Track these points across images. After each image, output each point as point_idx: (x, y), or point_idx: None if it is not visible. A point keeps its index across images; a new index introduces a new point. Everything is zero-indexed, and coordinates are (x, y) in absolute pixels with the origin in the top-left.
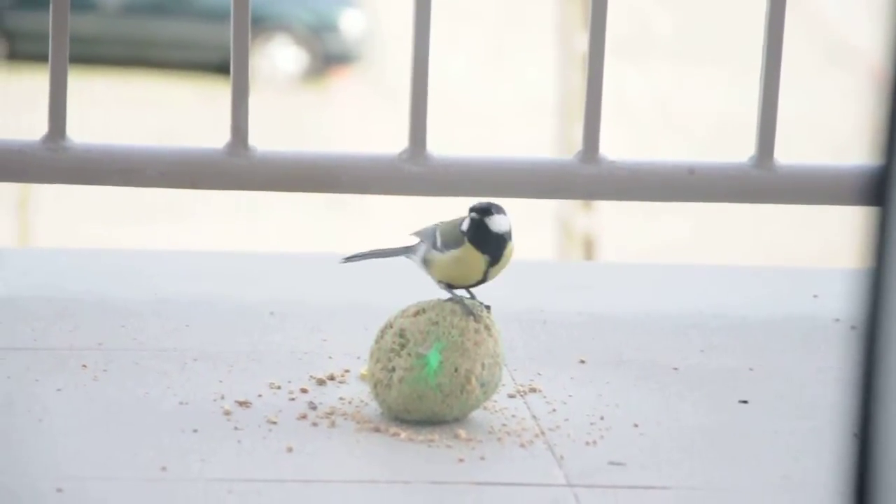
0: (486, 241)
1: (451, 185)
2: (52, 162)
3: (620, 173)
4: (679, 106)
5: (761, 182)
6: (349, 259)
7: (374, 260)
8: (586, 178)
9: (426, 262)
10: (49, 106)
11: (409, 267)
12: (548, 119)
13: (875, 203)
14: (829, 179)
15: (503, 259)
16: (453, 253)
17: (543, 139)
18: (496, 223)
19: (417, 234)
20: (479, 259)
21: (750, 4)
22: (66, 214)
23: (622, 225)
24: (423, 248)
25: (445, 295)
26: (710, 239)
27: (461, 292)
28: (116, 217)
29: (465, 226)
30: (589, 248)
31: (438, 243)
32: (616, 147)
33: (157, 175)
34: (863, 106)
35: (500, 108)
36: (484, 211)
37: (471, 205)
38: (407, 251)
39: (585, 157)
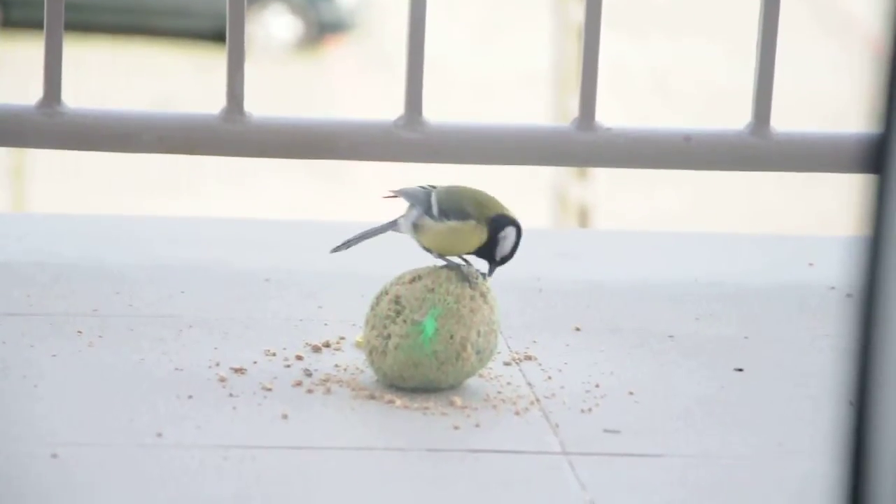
0: (503, 253)
1: (447, 152)
2: (48, 126)
3: (617, 141)
4: (675, 77)
5: (758, 149)
6: (337, 249)
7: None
8: (582, 146)
9: (416, 227)
10: (44, 70)
11: (404, 235)
12: (543, 90)
13: (872, 171)
14: (826, 147)
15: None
16: (451, 224)
17: (539, 110)
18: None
19: (402, 193)
20: (476, 240)
21: None
22: (62, 183)
23: (618, 195)
24: (414, 213)
25: (441, 262)
26: (706, 209)
27: (457, 259)
28: (112, 187)
29: (507, 233)
30: (584, 219)
31: (435, 210)
32: (612, 117)
33: (153, 140)
34: (858, 75)
35: (495, 78)
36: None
37: (514, 221)
38: (392, 225)
39: (582, 125)
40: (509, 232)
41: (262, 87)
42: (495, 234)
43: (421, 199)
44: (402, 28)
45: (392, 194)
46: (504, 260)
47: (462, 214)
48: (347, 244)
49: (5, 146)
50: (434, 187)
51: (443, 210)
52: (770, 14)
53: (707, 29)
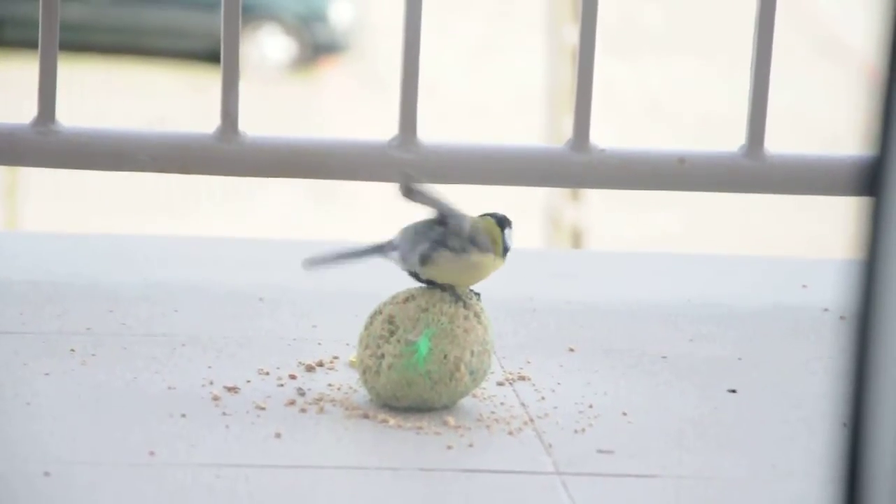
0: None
1: (441, 173)
2: (42, 145)
3: (610, 161)
4: (668, 100)
5: (751, 171)
6: (312, 265)
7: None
8: (576, 167)
9: (428, 260)
10: (39, 88)
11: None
12: (536, 112)
13: (867, 193)
14: (820, 169)
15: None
16: (482, 256)
17: (532, 132)
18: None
19: (443, 209)
20: (492, 269)
21: None
22: (55, 202)
23: (611, 217)
24: (424, 246)
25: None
26: (700, 231)
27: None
28: (106, 206)
29: (508, 238)
30: (577, 240)
31: (470, 241)
32: (606, 140)
33: (147, 160)
34: (852, 98)
35: (489, 99)
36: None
37: (498, 214)
38: (381, 250)
39: (576, 146)
40: (508, 232)
41: (257, 107)
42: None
43: (421, 234)
44: (396, 49)
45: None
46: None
47: (483, 246)
48: (325, 261)
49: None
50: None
51: (475, 240)
52: (764, 36)
53: (701, 51)
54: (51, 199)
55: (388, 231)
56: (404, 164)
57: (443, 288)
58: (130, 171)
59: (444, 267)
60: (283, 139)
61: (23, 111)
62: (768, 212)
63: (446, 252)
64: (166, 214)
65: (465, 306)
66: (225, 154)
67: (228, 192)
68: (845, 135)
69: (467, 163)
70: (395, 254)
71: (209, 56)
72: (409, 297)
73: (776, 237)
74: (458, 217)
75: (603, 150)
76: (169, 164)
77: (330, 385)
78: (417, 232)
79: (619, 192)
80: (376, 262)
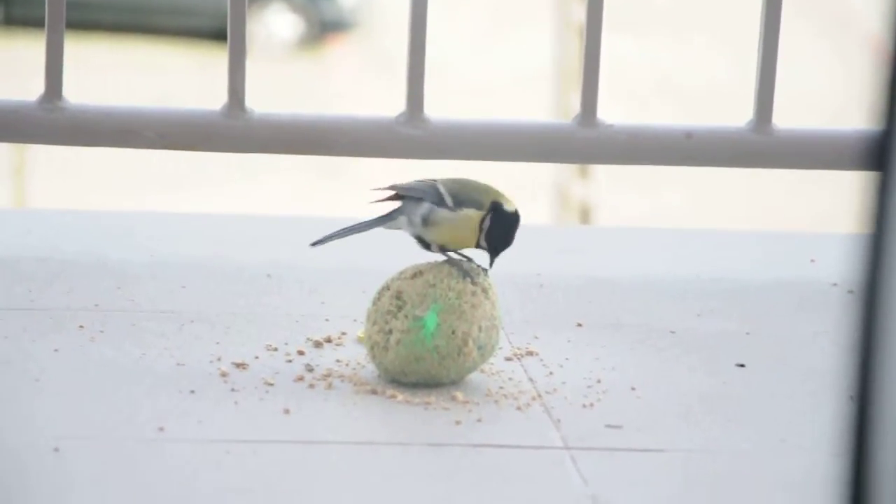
0: (502, 238)
1: (448, 149)
2: (49, 122)
3: (618, 137)
4: (676, 76)
5: (759, 146)
6: (318, 243)
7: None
8: (584, 142)
9: (427, 221)
10: (45, 65)
11: (399, 231)
12: (544, 90)
13: (874, 168)
14: (828, 144)
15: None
16: (467, 213)
17: (540, 110)
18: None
19: (404, 189)
20: (477, 235)
21: None
22: (62, 180)
23: (619, 193)
24: (424, 207)
25: (443, 257)
26: (707, 207)
27: (458, 255)
28: (113, 184)
29: (487, 221)
30: (585, 216)
31: (449, 201)
32: (613, 116)
33: (154, 137)
34: (858, 73)
35: (496, 77)
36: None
37: (501, 207)
38: (385, 220)
39: (583, 121)
40: (488, 218)
41: (264, 85)
42: (482, 222)
43: (429, 193)
44: (403, 27)
45: (389, 191)
46: (499, 248)
47: (477, 204)
48: (329, 238)
49: (6, 141)
50: (435, 180)
51: (458, 200)
52: (772, 12)
53: (708, 28)
54: (57, 176)
55: (392, 207)
56: (411, 140)
57: (451, 263)
58: (137, 147)
59: (444, 226)
60: (290, 116)
61: (30, 89)
62: (776, 187)
63: (443, 212)
64: (170, 191)
65: (473, 282)
66: (232, 131)
67: (233, 169)
68: (852, 110)
69: (475, 139)
70: (403, 219)
71: (216, 34)
72: (416, 273)
73: (784, 212)
74: (431, 191)
75: (610, 126)
76: (176, 140)
77: (338, 361)
78: (416, 191)
79: (628, 169)
80: (383, 238)
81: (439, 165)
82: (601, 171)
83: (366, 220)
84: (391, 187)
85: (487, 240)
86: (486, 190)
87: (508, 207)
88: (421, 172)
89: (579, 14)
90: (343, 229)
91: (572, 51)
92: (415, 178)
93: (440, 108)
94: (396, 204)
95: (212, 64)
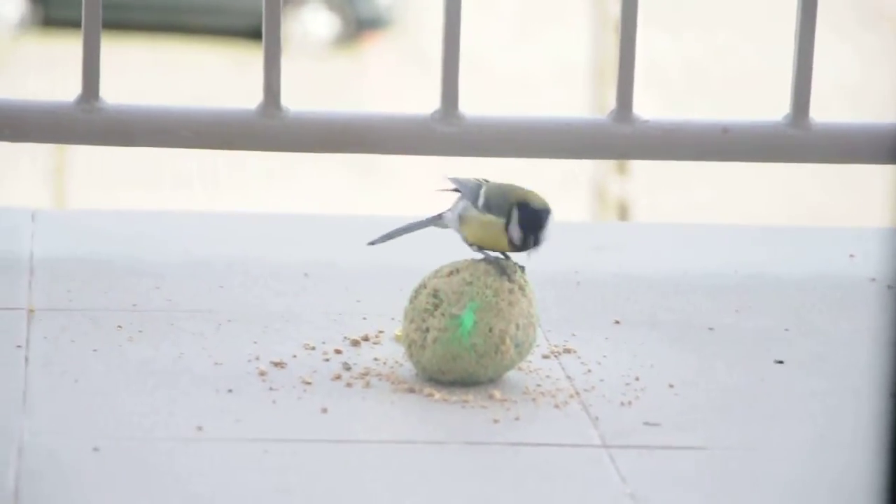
0: (523, 242)
1: (483, 146)
2: (86, 123)
3: (654, 133)
4: (712, 71)
5: (796, 141)
6: (376, 241)
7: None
8: (620, 138)
9: (462, 220)
10: (83, 66)
11: (447, 229)
12: (580, 86)
13: None
14: (866, 138)
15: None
16: (490, 218)
17: (576, 105)
18: (537, 227)
19: (456, 181)
20: (506, 241)
21: None
22: (101, 181)
23: (657, 189)
24: (461, 205)
25: (479, 255)
26: (743, 204)
27: (495, 253)
28: (151, 183)
29: (513, 215)
30: (623, 213)
31: (481, 203)
32: (649, 111)
33: (190, 135)
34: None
35: (532, 72)
36: (532, 216)
37: (525, 202)
38: (436, 220)
39: (619, 117)
40: (512, 218)
41: (300, 83)
42: (508, 226)
43: (471, 190)
44: (439, 24)
45: (448, 183)
46: (527, 242)
47: (501, 210)
48: (387, 237)
49: (45, 142)
50: (487, 181)
51: (488, 204)
52: (808, 3)
53: (744, 22)
54: (96, 176)
55: (429, 205)
56: (446, 137)
57: (487, 261)
58: (174, 147)
59: (472, 225)
60: (326, 114)
61: (68, 89)
62: (814, 181)
63: (473, 211)
64: (207, 189)
65: (510, 280)
66: (267, 129)
67: (269, 167)
68: (890, 104)
69: (510, 135)
70: (448, 214)
71: (252, 33)
72: (453, 271)
73: (822, 207)
74: (474, 190)
75: (646, 122)
76: (211, 139)
77: (375, 359)
78: (465, 187)
79: (665, 164)
80: (420, 236)
81: (476, 163)
82: (639, 168)
83: (419, 219)
84: (452, 179)
85: (520, 238)
86: (518, 194)
87: (535, 204)
88: (460, 169)
89: (615, 9)
90: (398, 229)
91: (608, 46)
92: (475, 177)
93: (475, 103)
94: (454, 197)
95: (248, 63)
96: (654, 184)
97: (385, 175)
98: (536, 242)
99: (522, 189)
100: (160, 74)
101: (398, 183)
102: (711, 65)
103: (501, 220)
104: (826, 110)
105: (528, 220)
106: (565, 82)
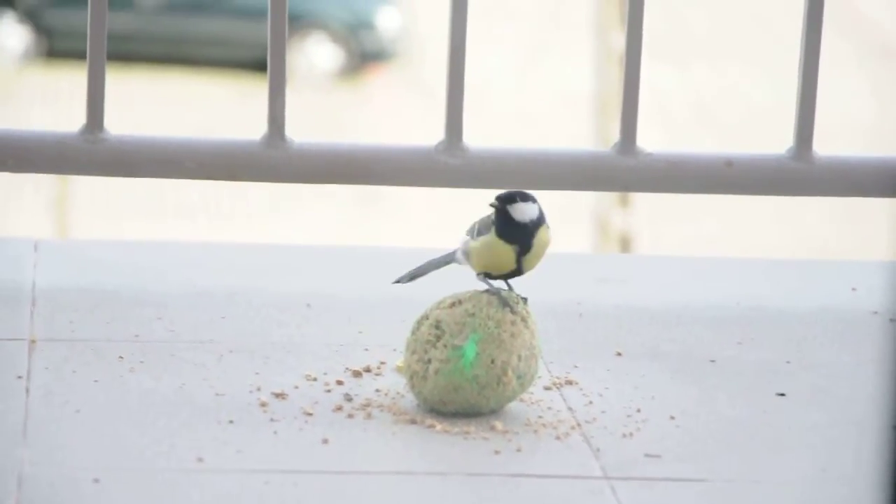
0: (511, 231)
1: (487, 178)
2: (90, 154)
3: (658, 165)
4: (715, 104)
5: (800, 174)
6: (401, 280)
7: (411, 254)
8: (623, 170)
9: (466, 253)
10: (87, 97)
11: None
12: (583, 118)
13: None
14: (869, 171)
15: (535, 248)
16: (483, 238)
17: (579, 138)
18: (519, 211)
19: (467, 231)
20: (506, 248)
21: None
22: (104, 212)
23: (659, 223)
24: (464, 242)
25: (482, 286)
26: (745, 236)
27: (499, 284)
28: (153, 214)
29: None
30: (625, 247)
31: (474, 233)
32: (653, 144)
33: (194, 167)
34: None
35: (535, 106)
36: (506, 199)
37: (497, 194)
38: (452, 256)
39: (622, 149)
40: (498, 210)
41: (305, 115)
42: (503, 214)
43: (471, 228)
44: (442, 57)
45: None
46: (526, 229)
47: (489, 229)
48: (412, 276)
49: (49, 173)
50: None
51: (479, 230)
52: (812, 38)
53: (747, 55)
54: (98, 207)
55: (431, 236)
56: (450, 169)
57: (490, 292)
58: (178, 178)
59: (473, 255)
60: (330, 145)
61: (72, 121)
62: (814, 215)
63: (471, 242)
64: (210, 220)
65: (513, 311)
66: (271, 161)
67: (272, 198)
68: (892, 137)
69: (513, 167)
70: (459, 253)
71: (256, 65)
72: (455, 302)
73: (825, 240)
74: (470, 229)
75: (650, 154)
76: (215, 171)
77: (377, 390)
78: (470, 229)
79: (667, 197)
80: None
81: (479, 195)
82: (641, 200)
83: (441, 256)
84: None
85: (503, 220)
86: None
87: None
88: (461, 201)
89: (618, 42)
90: (420, 266)
91: (612, 79)
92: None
93: (479, 135)
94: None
95: (252, 95)
96: (656, 216)
97: (388, 206)
98: (513, 200)
99: None
100: (164, 106)
101: (401, 214)
102: (717, 99)
103: (491, 234)
104: (831, 143)
105: (502, 204)
106: (568, 115)
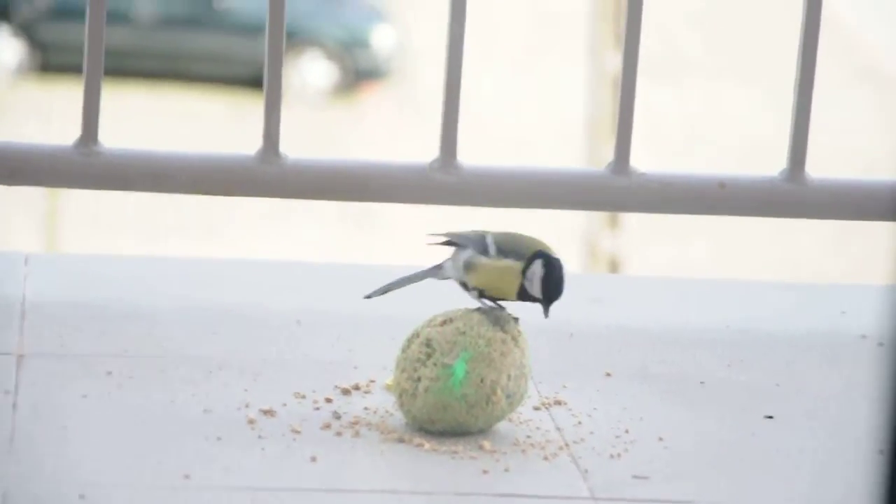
0: (555, 285)
1: (481, 196)
2: (84, 167)
3: (651, 185)
4: (709, 125)
5: (793, 196)
6: (373, 295)
7: (403, 272)
8: (616, 190)
9: (469, 266)
10: (82, 110)
11: (446, 279)
12: (577, 139)
13: None
14: (862, 194)
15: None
16: (507, 263)
17: (572, 160)
18: (558, 293)
19: (452, 235)
20: (516, 285)
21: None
22: (95, 227)
23: (649, 245)
24: (467, 253)
25: (473, 304)
26: (736, 259)
27: (490, 303)
28: (144, 231)
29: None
30: (614, 269)
31: (492, 251)
32: (646, 164)
33: (188, 181)
34: (893, 125)
35: (529, 126)
36: (556, 278)
37: (547, 255)
38: (435, 271)
39: (616, 169)
40: (536, 268)
41: (299, 132)
42: (526, 272)
43: (475, 241)
44: (437, 76)
45: (441, 238)
46: (546, 298)
47: (519, 256)
48: (384, 290)
49: (43, 185)
50: (487, 232)
51: (501, 249)
52: (807, 60)
53: (741, 77)
54: (89, 222)
55: (423, 256)
56: (445, 186)
57: (481, 311)
58: (172, 192)
59: (483, 271)
60: (324, 161)
61: (66, 135)
62: (805, 237)
63: (483, 258)
64: (202, 238)
65: (503, 330)
66: (266, 176)
67: (265, 215)
68: (886, 161)
69: (507, 186)
70: (449, 263)
71: (250, 81)
72: (446, 321)
73: (813, 263)
74: (478, 239)
75: (643, 174)
76: (210, 186)
77: (366, 408)
78: (467, 239)
79: (657, 219)
80: (413, 286)
81: (472, 212)
82: (630, 223)
83: (418, 270)
84: (446, 234)
85: (542, 289)
86: (532, 242)
87: (556, 260)
88: (466, 219)
89: (612, 64)
90: (397, 280)
91: (606, 101)
92: (471, 229)
93: (473, 156)
94: (449, 249)
95: (247, 111)
96: (646, 239)
97: (380, 224)
98: (554, 299)
99: (531, 237)
100: (159, 121)
101: (393, 233)
102: (711, 121)
103: (519, 265)
104: (822, 166)
105: (552, 277)
106: (561, 137)
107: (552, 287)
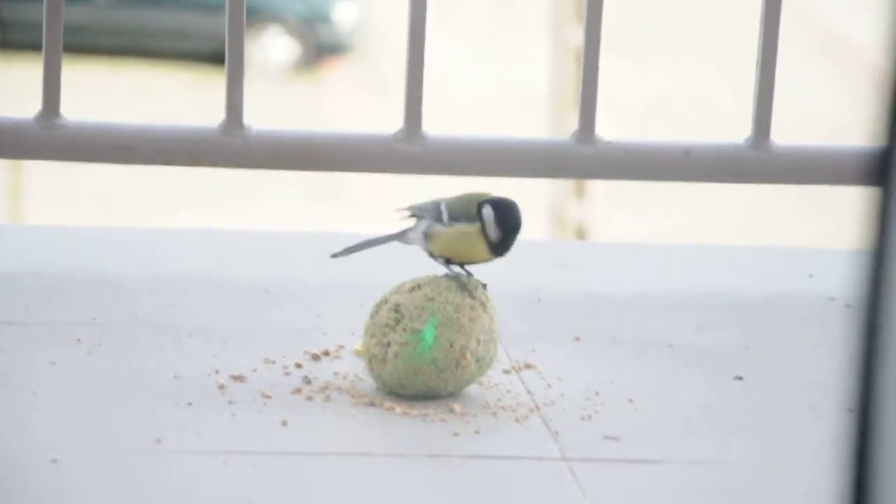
0: (502, 240)
1: (446, 165)
2: (47, 139)
3: (616, 153)
4: (672, 99)
5: (758, 162)
6: (339, 254)
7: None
8: (581, 158)
9: (428, 236)
10: (43, 82)
11: (412, 246)
12: (540, 113)
13: (874, 183)
14: (827, 159)
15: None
16: (460, 228)
17: (536, 133)
18: (516, 223)
19: (413, 208)
20: (482, 246)
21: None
22: (59, 200)
23: (616, 214)
24: (424, 224)
25: (442, 271)
26: (706, 227)
27: (458, 270)
28: (110, 204)
29: (485, 214)
30: (581, 237)
31: (445, 218)
32: (610, 137)
33: (152, 153)
34: (855, 95)
35: (492, 99)
36: (512, 210)
37: (493, 198)
38: (400, 236)
39: (581, 138)
40: (486, 215)
41: (261, 107)
42: (484, 229)
43: (430, 210)
44: (399, 50)
45: (405, 211)
46: (507, 231)
47: (469, 216)
48: (349, 250)
49: (4, 157)
50: (442, 199)
51: (452, 216)
52: (770, 24)
53: (704, 51)
54: (54, 196)
55: (388, 226)
56: (409, 156)
57: (449, 277)
58: (136, 164)
59: (441, 240)
60: (288, 132)
61: (26, 112)
62: (773, 204)
63: (438, 226)
64: (168, 212)
65: (471, 296)
66: (230, 147)
67: (229, 189)
68: (849, 130)
69: (472, 155)
70: (412, 234)
71: (213, 57)
72: (414, 287)
73: (783, 230)
74: (433, 208)
75: (609, 142)
76: (174, 157)
77: (336, 373)
78: (424, 209)
79: (624, 188)
80: (381, 252)
81: (438, 182)
82: (598, 191)
83: (383, 234)
84: (408, 208)
85: (498, 228)
86: (476, 196)
87: (502, 198)
88: (431, 191)
89: (574, 37)
90: (362, 242)
91: (568, 73)
92: (429, 199)
93: (436, 127)
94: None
95: (208, 87)
96: (612, 208)
97: (343, 197)
98: (516, 230)
99: (478, 192)
100: (120, 97)
101: (356, 205)
102: (673, 94)
103: (474, 226)
104: (787, 136)
105: (503, 212)
106: (524, 109)
107: (508, 220)
